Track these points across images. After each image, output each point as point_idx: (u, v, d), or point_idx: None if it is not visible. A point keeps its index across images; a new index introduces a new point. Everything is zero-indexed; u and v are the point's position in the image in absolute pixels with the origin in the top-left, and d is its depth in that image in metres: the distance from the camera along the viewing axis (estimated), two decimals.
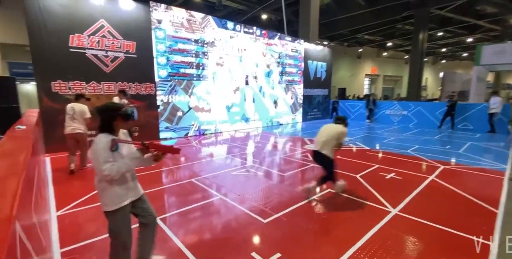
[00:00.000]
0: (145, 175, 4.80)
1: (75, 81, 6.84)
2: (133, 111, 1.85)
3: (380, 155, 6.34)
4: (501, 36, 22.14)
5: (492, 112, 9.11)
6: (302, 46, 12.63)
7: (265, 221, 3.06)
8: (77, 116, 4.94)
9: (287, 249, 2.51)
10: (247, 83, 10.58)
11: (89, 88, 7.05)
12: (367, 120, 12.41)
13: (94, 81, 7.12)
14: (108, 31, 7.18)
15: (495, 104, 9.00)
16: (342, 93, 15.97)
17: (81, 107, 5.02)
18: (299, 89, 12.98)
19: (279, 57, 11.72)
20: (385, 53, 33.97)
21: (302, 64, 12.81)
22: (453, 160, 5.77)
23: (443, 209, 3.42)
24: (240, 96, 10.44)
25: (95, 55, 7.05)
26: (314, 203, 3.57)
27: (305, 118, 13.41)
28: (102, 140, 1.72)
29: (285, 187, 4.25)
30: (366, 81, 34.70)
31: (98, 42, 7.05)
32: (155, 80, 8.11)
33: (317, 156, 3.56)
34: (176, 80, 8.56)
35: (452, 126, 10.34)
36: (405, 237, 2.74)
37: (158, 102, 8.26)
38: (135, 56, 7.68)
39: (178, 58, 8.51)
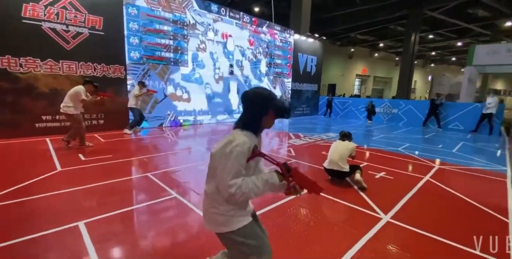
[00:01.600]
0: (94, 167, 4.01)
1: (27, 57, 5.92)
2: (290, 104, 1.16)
3: (368, 152, 5.76)
4: (491, 41, 22.25)
5: (487, 113, 8.74)
6: (292, 37, 11.97)
7: None
8: (67, 98, 5.00)
9: None
10: (231, 73, 9.83)
11: (45, 67, 6.13)
12: (369, 122, 11.68)
13: (51, 59, 6.20)
14: (70, 3, 6.26)
15: (491, 104, 8.62)
16: (332, 90, 15.46)
17: (75, 89, 5.02)
18: (288, 83, 12.33)
19: (267, 47, 11.02)
20: (376, 54, 33.89)
21: (292, 56, 12.16)
22: (448, 160, 5.25)
23: (442, 216, 2.83)
24: (223, 87, 9.69)
25: (53, 29, 6.13)
26: (291, 208, 2.91)
27: (292, 113, 12.79)
28: (243, 140, 1.18)
29: None
30: (357, 82, 34.57)
31: (57, 14, 6.13)
32: (126, 62, 7.25)
33: (335, 173, 3.65)
34: (150, 64, 7.72)
35: (438, 125, 10.10)
36: (397, 252, 2.11)
37: (129, 88, 7.39)
38: (102, 33, 6.79)
39: (153, 39, 7.66)
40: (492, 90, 9.97)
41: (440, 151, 6.09)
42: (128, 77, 7.35)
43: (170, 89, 8.26)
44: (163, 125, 8.30)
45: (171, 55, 8.11)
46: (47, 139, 5.91)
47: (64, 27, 6.26)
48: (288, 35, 11.78)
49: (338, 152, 3.57)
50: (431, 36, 25.94)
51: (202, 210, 1.36)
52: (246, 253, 1.28)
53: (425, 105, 10.67)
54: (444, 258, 2.09)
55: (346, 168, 3.51)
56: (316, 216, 2.72)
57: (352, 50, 31.04)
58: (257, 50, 10.64)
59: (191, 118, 8.97)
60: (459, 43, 26.82)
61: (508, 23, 17.77)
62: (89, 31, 6.61)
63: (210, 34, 8.97)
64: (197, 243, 2.16)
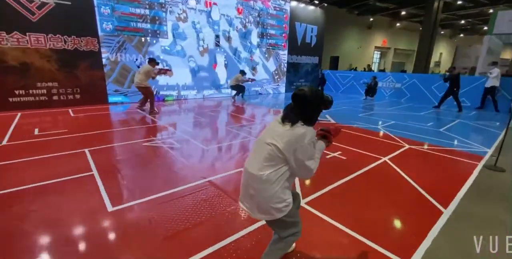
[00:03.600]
0: (39, 142, 3.98)
1: None
2: (332, 97, 1.56)
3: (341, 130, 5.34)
4: None
5: (489, 86, 7.78)
6: (288, 5, 10.96)
7: (110, 210, 2.24)
8: (142, 75, 6.08)
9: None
10: (218, 44, 9.30)
11: (12, 40, 6.00)
12: (364, 97, 10.83)
13: (18, 31, 6.04)
14: None
15: (493, 74, 7.62)
16: (334, 62, 14.44)
17: (146, 68, 6.11)
18: (283, 56, 11.59)
19: (258, 15, 10.20)
20: (398, 24, 30.96)
21: (288, 26, 11.25)
22: (426, 139, 4.75)
23: (370, 206, 2.52)
24: (209, 59, 9.24)
25: (16, 0, 5.88)
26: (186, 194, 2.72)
27: (289, 89, 12.20)
28: (312, 133, 1.44)
29: (183, 166, 3.39)
30: (375, 55, 32.25)
31: None
32: (98, 34, 6.96)
33: None
34: (126, 35, 7.39)
35: (459, 109, 8.11)
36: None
37: (104, 62, 7.20)
38: (69, 3, 6.46)
39: (126, 9, 7.23)
40: (492, 61, 8.65)
41: (425, 130, 5.54)
42: (102, 50, 7.12)
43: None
44: None
45: (148, 26, 7.69)
46: (19, 114, 5.97)
47: None
48: (283, 2, 10.79)
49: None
50: (460, 2, 23.05)
51: (256, 200, 1.43)
52: (291, 228, 1.52)
53: (430, 79, 9.70)
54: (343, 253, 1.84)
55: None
56: (211, 202, 2.51)
57: (371, 19, 28.49)
58: (247, 20, 9.88)
59: (174, 93, 8.76)
60: (492, 10, 23.70)
61: None
62: (55, 1, 6.30)
63: (192, 2, 8.34)
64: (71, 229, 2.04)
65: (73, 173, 2.93)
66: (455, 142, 4.68)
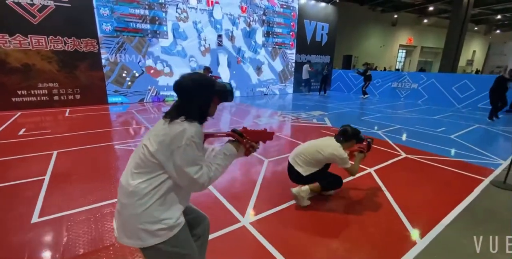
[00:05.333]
0: (18, 142, 3.98)
1: None
2: (231, 86, 1.26)
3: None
4: None
5: None
6: (296, 2, 10.52)
7: (33, 221, 2.07)
8: None
9: None
10: (220, 44, 9.10)
11: (14, 42, 6.20)
12: (362, 96, 10.25)
13: (20, 34, 6.23)
14: None
15: None
16: (347, 61, 13.71)
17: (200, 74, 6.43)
18: (291, 55, 11.15)
19: (264, 14, 9.86)
20: (425, 20, 29.05)
21: (296, 24, 10.80)
22: (430, 148, 4.17)
23: (329, 231, 2.14)
24: (211, 59, 9.07)
25: (18, 3, 6.06)
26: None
27: (297, 89, 11.74)
28: (195, 130, 1.10)
29: None
30: (400, 53, 30.53)
31: None
32: (98, 35, 7.03)
33: (289, 170, 2.65)
34: (125, 36, 7.40)
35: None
36: None
37: (104, 62, 7.26)
38: (69, 5, 6.57)
39: (126, 10, 7.24)
40: None
41: (432, 136, 4.92)
42: (102, 51, 7.18)
43: (149, 63, 7.94)
44: (144, 101, 8.17)
45: (148, 26, 7.66)
46: (18, 113, 6.15)
47: (28, 0, 6.15)
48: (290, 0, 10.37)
49: (308, 148, 2.46)
50: None
51: (120, 219, 1.10)
52: None
53: (450, 79, 8.81)
54: None
55: (303, 171, 2.41)
56: None
57: (396, 16, 26.98)
58: (251, 18, 9.59)
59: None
60: None
61: None
62: (55, 3, 6.43)
63: (193, 2, 8.21)
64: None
65: (26, 177, 2.82)
66: (464, 152, 4.06)
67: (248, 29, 9.60)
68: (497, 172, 3.30)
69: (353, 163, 2.48)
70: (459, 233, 2.06)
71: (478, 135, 5.19)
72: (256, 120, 6.08)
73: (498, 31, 34.06)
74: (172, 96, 8.65)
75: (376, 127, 5.46)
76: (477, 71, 23.98)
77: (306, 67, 10.83)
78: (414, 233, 2.03)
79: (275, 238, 1.94)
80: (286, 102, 9.17)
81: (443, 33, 32.96)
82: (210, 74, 6.71)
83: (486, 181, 3.00)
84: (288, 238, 1.95)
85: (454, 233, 2.05)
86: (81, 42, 6.90)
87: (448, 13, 27.49)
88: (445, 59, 18.84)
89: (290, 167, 2.51)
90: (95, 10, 6.87)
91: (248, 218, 2.18)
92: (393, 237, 1.99)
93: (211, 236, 1.82)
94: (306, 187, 2.35)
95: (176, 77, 8.51)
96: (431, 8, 26.03)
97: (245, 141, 1.25)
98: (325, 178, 2.46)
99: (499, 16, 27.50)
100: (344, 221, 2.19)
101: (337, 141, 2.41)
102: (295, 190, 2.36)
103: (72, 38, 6.78)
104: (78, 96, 7.22)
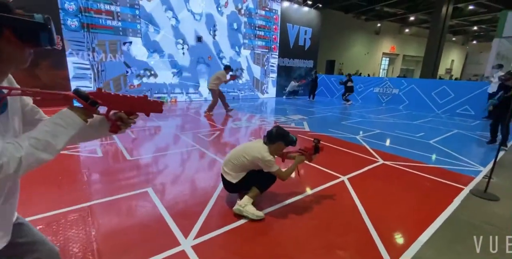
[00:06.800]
0: None
1: None
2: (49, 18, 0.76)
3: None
4: None
5: (492, 92, 6.87)
6: (278, 5, 10.37)
7: None
8: (215, 79, 6.49)
9: None
10: (199, 39, 8.69)
11: None
12: (344, 102, 10.07)
13: None
14: None
15: (495, 80, 6.67)
16: (330, 66, 13.68)
17: (221, 73, 6.57)
18: (273, 58, 10.93)
19: (247, 13, 9.60)
20: (407, 30, 30.00)
21: (278, 27, 10.63)
22: (408, 153, 3.94)
23: (283, 253, 1.79)
24: (190, 59, 8.67)
25: None
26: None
27: (280, 93, 11.49)
28: None
29: (77, 183, 2.75)
30: (384, 61, 31.28)
31: None
32: (62, 31, 6.50)
33: (223, 179, 2.41)
34: (93, 33, 6.91)
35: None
36: None
37: (68, 59, 6.72)
38: None
39: (94, 5, 6.77)
40: (497, 64, 7.49)
41: (412, 141, 4.72)
42: (67, 48, 6.65)
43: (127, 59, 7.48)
44: None
45: (119, 23, 7.21)
46: None
47: None
48: (274, 3, 10.20)
49: (234, 154, 2.24)
50: (471, 7, 21.98)
51: None
52: None
53: (429, 84, 8.83)
54: None
55: (231, 178, 2.18)
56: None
57: (379, 25, 27.67)
58: (232, 19, 9.32)
59: (165, 95, 8.42)
60: None
61: None
62: None
63: None
64: None
65: None
66: (443, 158, 3.85)
67: (228, 30, 9.29)
68: (477, 179, 3.08)
69: (285, 167, 2.26)
70: (438, 252, 1.76)
71: (457, 140, 5.05)
72: (233, 124, 5.72)
73: (474, 41, 35.68)
74: (164, 97, 8.16)
75: (358, 132, 5.23)
76: (455, 79, 24.85)
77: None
78: (386, 254, 1.71)
79: None
80: (280, 105, 8.88)
81: (424, 42, 34.25)
82: (230, 73, 6.65)
83: (466, 190, 2.76)
84: None
85: (432, 253, 1.75)
86: None
87: (428, 23, 28.51)
88: (425, 67, 19.36)
89: (222, 176, 2.27)
90: (59, 4, 6.36)
91: (191, 240, 1.79)
92: None
93: None
94: (243, 201, 2.08)
95: (161, 78, 8.15)
96: (412, 18, 26.93)
97: (105, 109, 0.85)
98: (258, 179, 2.20)
99: (475, 28, 28.79)
100: (305, 242, 1.85)
101: (264, 143, 2.21)
102: (235, 208, 2.07)
103: None
104: (38, 97, 6.59)
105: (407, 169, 3.31)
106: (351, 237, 1.90)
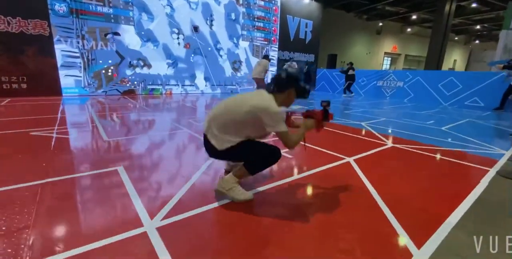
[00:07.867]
0: None
1: None
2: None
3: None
4: None
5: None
6: None
7: None
8: (259, 68, 6.65)
9: None
10: (196, 30, 8.35)
11: None
12: (344, 95, 9.74)
13: None
14: None
15: None
16: (332, 61, 13.33)
17: (265, 62, 6.70)
18: (273, 51, 10.58)
19: (246, 3, 9.26)
20: (409, 29, 29.67)
21: (278, 19, 10.30)
22: (419, 138, 3.55)
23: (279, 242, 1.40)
24: (186, 50, 8.33)
25: None
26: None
27: None
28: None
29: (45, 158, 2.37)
30: (385, 61, 30.93)
31: None
32: (49, 17, 6.18)
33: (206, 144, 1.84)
34: (83, 19, 6.58)
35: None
36: None
37: (56, 46, 6.38)
38: None
39: None
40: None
41: (423, 127, 4.33)
42: (55, 35, 6.32)
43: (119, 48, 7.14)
44: (106, 94, 7.30)
45: (111, 10, 6.89)
46: None
47: None
48: None
49: (228, 104, 1.62)
50: (474, 5, 21.62)
51: None
52: None
53: (436, 75, 8.44)
54: None
55: (216, 142, 1.58)
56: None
57: (381, 24, 27.36)
58: (230, 8, 8.98)
59: (160, 87, 8.07)
60: None
61: None
62: None
63: None
64: None
65: None
66: (459, 142, 3.46)
67: (226, 20, 8.96)
68: (501, 162, 2.69)
69: (294, 129, 1.74)
70: (472, 234, 1.37)
71: (471, 127, 4.65)
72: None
73: (477, 41, 35.28)
74: (159, 89, 7.82)
75: (362, 119, 4.84)
76: None
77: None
78: (409, 238, 1.32)
79: (181, 248, 1.19)
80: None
81: (426, 42, 33.89)
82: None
83: (492, 171, 2.37)
84: (198, 250, 1.20)
85: (466, 236, 1.36)
86: (29, 23, 6.03)
87: (430, 22, 28.16)
88: (428, 67, 19.00)
89: (205, 137, 1.65)
90: None
91: (158, 221, 1.41)
92: (385, 246, 1.27)
93: (89, 246, 1.07)
94: (227, 181, 1.61)
95: (155, 69, 7.78)
96: (414, 17, 26.58)
97: None
98: (252, 153, 1.57)
99: (478, 27, 28.42)
100: (301, 226, 1.46)
101: (269, 91, 1.59)
102: (216, 189, 1.65)
103: (18, 18, 5.90)
104: (24, 86, 6.28)
105: (421, 152, 2.92)
106: (360, 218, 1.52)
